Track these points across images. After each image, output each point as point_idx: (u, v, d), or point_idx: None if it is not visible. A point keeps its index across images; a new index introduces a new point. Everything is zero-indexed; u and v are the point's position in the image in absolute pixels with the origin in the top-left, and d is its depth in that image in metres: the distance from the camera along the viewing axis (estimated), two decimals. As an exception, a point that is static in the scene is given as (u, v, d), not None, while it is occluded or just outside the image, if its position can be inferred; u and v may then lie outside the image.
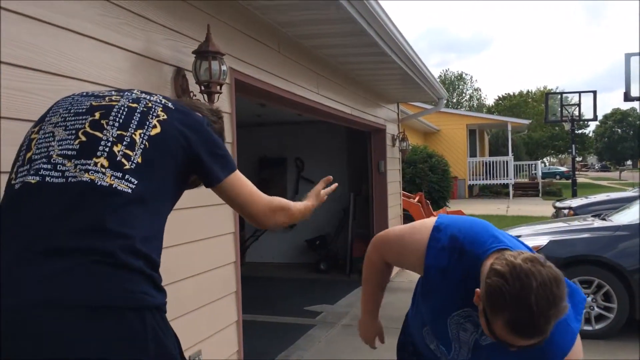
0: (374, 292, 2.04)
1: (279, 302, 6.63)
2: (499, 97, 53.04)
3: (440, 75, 53.02)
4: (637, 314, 4.85)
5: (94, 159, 1.23)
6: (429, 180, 13.86)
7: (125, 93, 1.42)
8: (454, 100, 53.00)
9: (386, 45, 4.72)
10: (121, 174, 1.23)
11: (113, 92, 1.43)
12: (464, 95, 55.13)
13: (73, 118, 1.31)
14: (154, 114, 1.36)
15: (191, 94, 2.84)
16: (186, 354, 2.79)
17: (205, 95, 2.81)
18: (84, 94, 1.42)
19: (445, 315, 1.66)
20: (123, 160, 1.25)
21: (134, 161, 1.26)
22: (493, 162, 22.43)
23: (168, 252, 2.74)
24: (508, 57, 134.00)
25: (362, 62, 5.45)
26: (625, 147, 56.15)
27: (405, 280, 7.84)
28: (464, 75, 55.51)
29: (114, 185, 1.21)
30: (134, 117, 1.33)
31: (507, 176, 21.92)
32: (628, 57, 15.79)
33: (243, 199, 1.50)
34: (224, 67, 2.79)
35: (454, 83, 54.28)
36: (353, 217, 8.48)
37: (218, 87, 2.81)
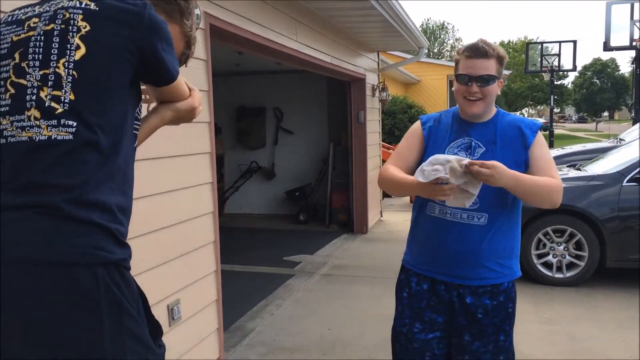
0: (402, 178, 2.02)
1: (258, 253, 6.69)
2: (480, 47, 52.67)
3: (422, 24, 52.29)
4: (607, 262, 4.99)
5: (26, 113, 1.13)
6: (409, 131, 13.82)
7: (44, 9, 1.23)
8: (435, 50, 52.53)
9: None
10: (56, 121, 1.12)
11: (34, 10, 1.25)
12: (445, 45, 54.63)
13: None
14: (74, 30, 1.17)
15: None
16: (164, 303, 2.82)
17: (178, 41, 2.71)
18: (9, 18, 1.27)
19: (442, 151, 2.01)
20: (53, 104, 1.13)
21: (65, 101, 1.13)
22: (472, 113, 22.41)
23: (145, 202, 2.72)
24: (490, 5, 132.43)
25: (342, 8, 5.32)
26: (604, 99, 56.75)
27: (384, 230, 7.95)
28: (445, 24, 54.89)
29: (52, 137, 1.11)
30: (53, 45, 1.17)
31: (486, 127, 21.96)
32: (609, 5, 15.71)
33: (180, 95, 1.40)
34: (197, 11, 2.68)
35: (435, 32, 53.65)
36: (332, 167, 8.48)
37: (192, 33, 2.71)
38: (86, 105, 1.14)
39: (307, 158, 9.07)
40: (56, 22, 1.19)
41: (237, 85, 8.86)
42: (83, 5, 1.20)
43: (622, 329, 4.05)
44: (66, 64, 1.15)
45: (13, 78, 1.16)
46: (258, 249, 6.94)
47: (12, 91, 1.15)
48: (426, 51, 9.00)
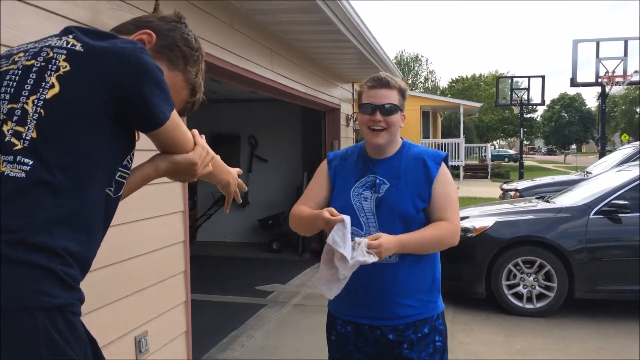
0: (309, 213, 2.06)
1: (230, 282, 6.60)
2: (452, 79, 53.95)
3: (397, 56, 53.29)
4: (576, 292, 5.07)
5: None
6: (383, 161, 13.97)
7: (32, 46, 1.20)
8: (409, 82, 53.49)
9: (342, 24, 4.68)
10: (12, 157, 1.06)
11: (25, 47, 1.22)
12: (418, 77, 55.73)
13: None
14: (53, 69, 1.13)
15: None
16: (132, 335, 2.75)
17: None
18: (6, 53, 1.24)
19: (348, 191, 2.02)
20: (13, 139, 1.07)
21: (26, 138, 1.08)
22: (445, 144, 22.86)
23: (112, 230, 2.64)
24: (462, 39, 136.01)
25: (317, 40, 5.40)
26: (572, 132, 58.32)
27: (357, 259, 7.92)
28: (419, 57, 56.04)
29: (5, 172, 1.04)
30: (28, 81, 1.12)
31: (459, 158, 22.42)
32: (576, 43, 16.29)
33: (178, 143, 1.32)
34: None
35: (409, 64, 54.71)
36: (306, 196, 8.46)
37: (167, 62, 2.71)
38: (48, 145, 1.09)
39: (281, 186, 9.06)
40: (37, 59, 1.16)
41: (213, 112, 8.83)
42: (68, 46, 1.17)
43: (591, 361, 4.09)
44: (36, 100, 1.11)
45: None
46: (230, 277, 6.85)
47: None
48: (400, 83, 9.15)
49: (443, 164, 2.04)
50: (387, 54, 6.91)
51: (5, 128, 1.09)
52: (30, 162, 1.06)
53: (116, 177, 1.22)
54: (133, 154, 1.28)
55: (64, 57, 1.15)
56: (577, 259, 5.02)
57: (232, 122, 9.04)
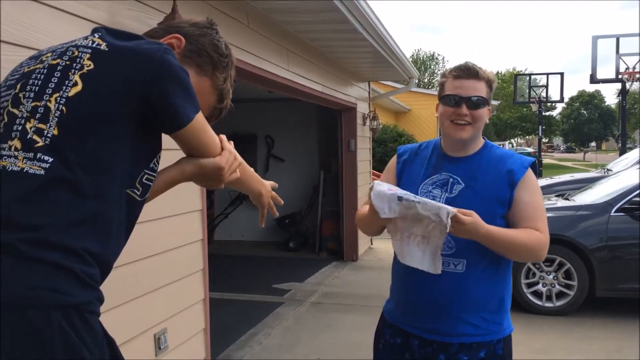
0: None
1: (248, 280, 6.63)
2: (470, 77, 53.46)
3: (413, 55, 53.05)
4: (596, 291, 5.00)
5: (9, 142, 1.09)
6: (399, 160, 13.90)
7: (59, 46, 1.22)
8: (425, 80, 53.22)
9: (358, 23, 4.68)
10: (32, 154, 1.06)
11: (54, 48, 1.23)
12: (435, 75, 55.39)
13: (4, 93, 1.18)
14: (77, 67, 1.13)
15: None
16: (151, 332, 2.78)
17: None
18: (32, 56, 1.26)
19: (415, 188, 1.84)
20: (35, 137, 1.08)
21: (48, 135, 1.08)
22: (462, 142, 22.61)
23: (134, 229, 2.68)
24: (479, 37, 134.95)
25: (333, 39, 5.40)
26: (591, 129, 57.51)
27: (374, 258, 7.92)
28: (436, 55, 55.77)
29: (24, 169, 1.05)
30: (52, 79, 1.13)
31: (476, 156, 22.16)
32: (595, 39, 16.07)
33: (204, 146, 1.30)
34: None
35: (425, 63, 54.44)
36: (323, 195, 8.48)
37: (184, 61, 2.74)
38: (69, 143, 1.08)
39: (298, 185, 9.07)
40: (63, 57, 1.17)
41: (229, 112, 8.90)
42: (94, 45, 1.18)
43: (612, 360, 4.03)
44: (58, 98, 1.11)
45: (9, 107, 1.14)
46: (247, 276, 6.88)
47: (6, 120, 1.13)
48: (416, 81, 9.11)
49: (530, 170, 1.81)
50: (404, 52, 6.88)
51: (28, 125, 1.10)
52: (50, 160, 1.06)
53: (143, 180, 1.21)
54: (159, 157, 1.27)
55: (88, 55, 1.15)
56: (598, 257, 4.95)
57: (249, 122, 9.08)
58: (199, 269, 3.30)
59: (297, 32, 4.99)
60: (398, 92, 11.60)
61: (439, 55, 64.48)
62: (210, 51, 1.36)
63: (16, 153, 1.07)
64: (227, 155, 1.36)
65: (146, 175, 1.22)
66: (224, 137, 1.39)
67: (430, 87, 50.67)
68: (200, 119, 1.25)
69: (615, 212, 5.04)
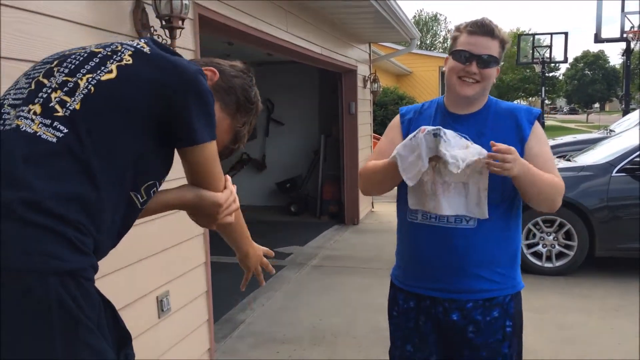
0: (382, 163, 1.81)
1: (250, 244, 6.67)
2: (472, 38, 52.64)
3: (415, 16, 52.17)
4: (596, 251, 5.03)
5: (30, 106, 1.10)
6: (401, 123, 13.82)
7: (105, 43, 1.25)
8: (428, 42, 52.45)
9: (357, -19, 4.57)
10: (50, 121, 1.07)
11: (103, 46, 1.25)
12: (437, 36, 54.55)
13: (39, 67, 1.20)
14: (116, 59, 1.17)
15: (151, 29, 2.71)
16: (154, 295, 2.81)
17: (166, 31, 2.68)
18: (80, 47, 1.27)
19: None
20: (57, 106, 1.09)
21: (70, 108, 1.09)
22: (464, 105, 22.44)
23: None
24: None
25: (332, -1, 5.29)
26: (595, 90, 56.94)
27: (375, 221, 7.96)
28: (438, 16, 54.80)
29: (38, 133, 1.06)
30: (90, 62, 1.16)
31: (478, 119, 22.02)
32: (600, -2, 15.74)
33: (209, 176, 1.29)
34: (185, 1, 2.65)
35: (428, 24, 53.55)
36: (324, 159, 8.47)
37: (180, 22, 2.68)
38: (88, 121, 1.10)
39: (298, 150, 9.05)
40: (106, 48, 1.21)
41: (228, 76, 8.81)
42: (137, 46, 1.22)
43: (611, 318, 4.09)
44: (90, 79, 1.14)
45: (39, 77, 1.16)
46: (249, 240, 6.92)
47: (32, 87, 1.14)
48: (418, 43, 8.98)
49: (537, 122, 1.80)
50: (406, 13, 6.75)
51: (53, 95, 1.12)
52: (65, 131, 1.07)
53: (149, 190, 1.23)
54: (165, 176, 1.28)
55: (130, 52, 1.19)
56: (598, 217, 4.97)
57: (248, 86, 8.99)
58: (200, 233, 3.31)
59: (295, -8, 4.88)
60: (399, 53, 11.46)
61: (441, 15, 63.32)
62: (239, 93, 1.42)
63: (33, 117, 1.08)
64: (228, 194, 1.36)
65: (152, 187, 1.24)
66: (228, 177, 1.39)
67: (432, 48, 49.98)
68: (213, 147, 1.26)
69: (616, 172, 5.03)
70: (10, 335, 0.96)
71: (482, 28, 1.74)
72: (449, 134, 1.57)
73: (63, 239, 1.01)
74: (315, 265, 5.75)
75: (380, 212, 8.58)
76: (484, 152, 1.57)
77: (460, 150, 1.56)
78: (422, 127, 1.61)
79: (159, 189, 1.29)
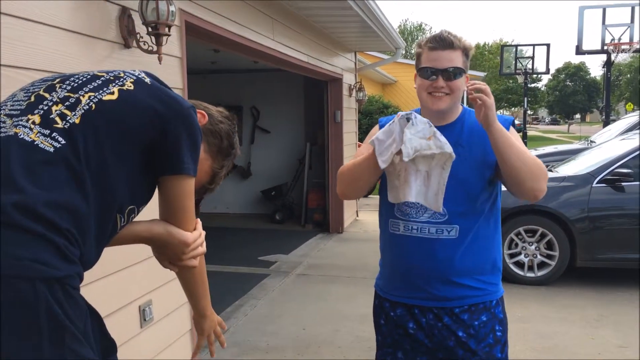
0: (357, 160, 1.80)
1: (233, 252, 6.64)
2: (457, 49, 53.17)
3: (400, 25, 52.56)
4: (577, 261, 5.09)
5: (29, 116, 1.13)
6: (385, 131, 13.89)
7: (114, 72, 1.29)
8: (412, 51, 52.86)
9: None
10: (49, 132, 1.11)
11: (106, 72, 1.30)
12: (422, 46, 54.95)
13: (38, 84, 1.24)
14: (118, 83, 1.23)
15: (137, 36, 2.70)
16: (136, 304, 2.78)
17: (152, 38, 2.67)
18: (84, 71, 1.30)
19: None
20: (57, 118, 1.13)
21: (70, 121, 1.13)
22: (448, 114, 22.61)
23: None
24: (467, 8, 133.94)
25: (319, 7, 5.31)
26: (576, 101, 57.77)
27: (359, 230, 7.97)
28: (423, 25, 55.26)
29: (35, 142, 1.08)
30: (93, 83, 1.21)
31: (462, 128, 22.21)
32: (582, 9, 16.02)
33: (182, 212, 1.31)
34: (172, 8, 2.65)
35: (413, 34, 54.00)
36: (309, 167, 8.47)
37: (166, 29, 2.67)
38: (86, 135, 1.13)
39: (284, 157, 9.04)
40: (108, 74, 1.27)
41: (214, 83, 8.79)
42: (139, 76, 1.28)
43: (592, 328, 4.13)
44: (92, 97, 1.18)
45: (40, 92, 1.20)
46: (233, 248, 6.90)
47: (32, 100, 1.18)
48: (403, 52, 9.04)
49: (512, 128, 1.80)
50: (391, 22, 6.80)
51: (54, 108, 1.15)
52: (63, 142, 1.10)
53: (130, 212, 1.25)
54: (144, 206, 1.31)
55: (131, 80, 1.26)
56: (579, 227, 5.03)
57: (234, 93, 8.98)
58: (184, 241, 3.28)
59: (283, 0, 4.89)
60: (384, 62, 11.53)
61: (426, 25, 63.95)
62: (224, 137, 1.49)
63: (32, 126, 1.11)
64: (197, 235, 1.37)
65: (132, 212, 1.26)
66: (199, 221, 1.41)
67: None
68: (192, 184, 1.29)
69: (597, 183, 5.10)
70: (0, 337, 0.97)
71: (442, 42, 1.76)
72: (419, 120, 1.58)
73: (53, 247, 1.03)
74: (299, 273, 5.74)
75: (365, 220, 8.59)
76: (448, 149, 1.56)
77: (421, 139, 1.57)
78: (399, 113, 1.64)
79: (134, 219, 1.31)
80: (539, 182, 1.71)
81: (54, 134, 1.11)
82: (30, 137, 1.09)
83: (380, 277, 1.99)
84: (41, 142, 1.09)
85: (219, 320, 1.66)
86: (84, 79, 1.24)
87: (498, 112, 1.74)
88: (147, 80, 1.28)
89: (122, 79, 1.25)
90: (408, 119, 1.59)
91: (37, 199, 1.02)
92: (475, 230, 1.80)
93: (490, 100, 1.62)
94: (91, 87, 1.21)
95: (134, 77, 1.27)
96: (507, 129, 1.77)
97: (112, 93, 1.20)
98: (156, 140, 1.21)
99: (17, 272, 0.98)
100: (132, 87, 1.23)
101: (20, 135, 1.09)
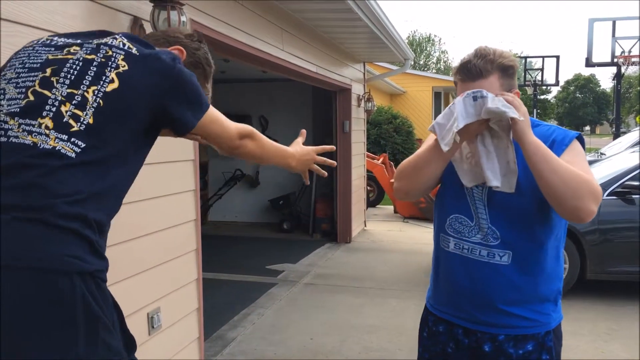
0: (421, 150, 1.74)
1: (241, 261, 6.65)
2: (466, 60, 53.18)
3: (409, 36, 52.70)
4: (587, 274, 5.05)
5: (39, 120, 1.16)
6: (394, 142, 13.94)
7: (87, 42, 1.31)
8: (421, 62, 52.93)
9: (354, 3, 4.63)
10: (67, 137, 1.15)
11: (76, 41, 1.32)
12: (431, 57, 55.10)
13: (26, 74, 1.24)
14: (113, 65, 1.25)
15: (149, 46, 2.72)
16: (145, 311, 2.79)
17: (163, 48, 2.70)
18: (47, 41, 1.32)
19: (462, 186, 1.73)
20: (71, 121, 1.17)
21: (84, 122, 1.18)
22: (457, 125, 22.54)
23: (125, 208, 2.66)
24: (476, 19, 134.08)
25: (329, 19, 5.34)
26: (586, 113, 57.58)
27: (367, 240, 7.95)
28: (432, 37, 55.41)
29: (57, 148, 1.14)
30: (89, 72, 1.23)
31: (470, 139, 22.13)
32: (591, 22, 16.01)
33: (215, 135, 1.43)
34: (183, 18, 2.67)
35: (422, 45, 54.10)
36: (317, 176, 8.47)
37: (177, 39, 2.70)
38: (101, 134, 1.19)
39: (292, 167, 9.04)
40: (97, 54, 1.27)
41: (223, 92, 8.84)
42: (126, 48, 1.29)
43: (602, 342, 4.08)
44: (96, 91, 1.21)
45: (37, 87, 1.21)
46: (241, 257, 6.90)
47: (31, 98, 1.19)
48: (412, 63, 9.06)
49: (575, 141, 1.66)
50: (400, 34, 6.83)
51: (63, 109, 1.18)
52: (83, 145, 1.16)
53: (139, 166, 1.36)
54: (148, 150, 1.41)
55: (122, 57, 1.27)
56: (589, 240, 4.99)
57: (243, 102, 9.03)
58: (192, 249, 3.30)
59: (292, 12, 4.93)
60: (393, 73, 11.53)
61: (435, 36, 64.09)
62: (204, 64, 1.57)
63: (47, 132, 1.15)
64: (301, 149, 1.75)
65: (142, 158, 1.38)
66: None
67: (426, 69, 50.42)
68: (211, 112, 1.38)
69: (607, 195, 5.06)
70: (39, 327, 1.04)
71: (469, 74, 1.64)
72: (490, 95, 1.53)
73: (85, 242, 1.12)
74: (307, 283, 5.72)
75: (373, 230, 8.57)
76: (513, 113, 1.51)
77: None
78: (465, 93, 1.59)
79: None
80: (582, 201, 1.51)
81: (73, 139, 1.16)
82: (50, 145, 1.14)
83: (431, 288, 1.92)
84: (62, 148, 1.14)
85: (314, 149, 1.90)
86: (78, 67, 1.24)
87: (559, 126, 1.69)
88: (134, 49, 1.30)
89: (113, 59, 1.26)
90: (475, 98, 1.53)
91: (71, 198, 1.11)
92: (531, 258, 1.66)
93: (520, 111, 1.53)
94: (90, 78, 1.22)
95: (123, 53, 1.28)
96: (565, 145, 1.65)
97: (113, 81, 1.23)
98: (157, 109, 1.29)
99: (55, 267, 1.06)
100: (126, 67, 1.26)
101: (40, 144, 1.13)
